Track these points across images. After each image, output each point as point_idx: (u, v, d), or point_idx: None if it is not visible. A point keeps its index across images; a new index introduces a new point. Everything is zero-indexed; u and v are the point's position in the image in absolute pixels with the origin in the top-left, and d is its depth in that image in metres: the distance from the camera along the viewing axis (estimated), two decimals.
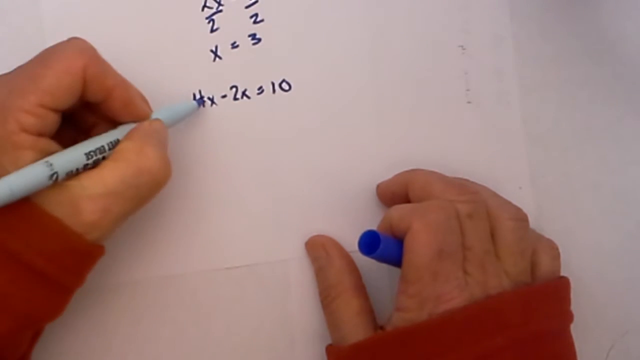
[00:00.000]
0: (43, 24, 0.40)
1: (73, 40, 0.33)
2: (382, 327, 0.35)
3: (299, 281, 0.40)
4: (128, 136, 0.34)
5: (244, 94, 0.40)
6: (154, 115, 0.36)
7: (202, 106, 0.40)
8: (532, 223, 0.37)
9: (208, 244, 0.40)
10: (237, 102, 0.40)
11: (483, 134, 0.41)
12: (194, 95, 0.40)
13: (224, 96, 0.40)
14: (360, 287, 0.38)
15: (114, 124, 0.35)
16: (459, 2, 0.41)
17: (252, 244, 0.40)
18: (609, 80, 0.42)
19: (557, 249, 0.37)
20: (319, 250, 0.39)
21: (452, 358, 0.32)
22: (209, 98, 0.40)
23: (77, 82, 0.32)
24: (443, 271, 0.33)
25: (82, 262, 0.33)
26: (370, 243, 0.34)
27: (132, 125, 0.35)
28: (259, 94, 0.41)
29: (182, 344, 0.39)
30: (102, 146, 0.33)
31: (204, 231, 0.40)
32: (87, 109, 0.35)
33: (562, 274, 0.37)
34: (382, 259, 0.35)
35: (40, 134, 0.32)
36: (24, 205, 0.31)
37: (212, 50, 0.40)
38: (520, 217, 0.36)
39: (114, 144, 0.34)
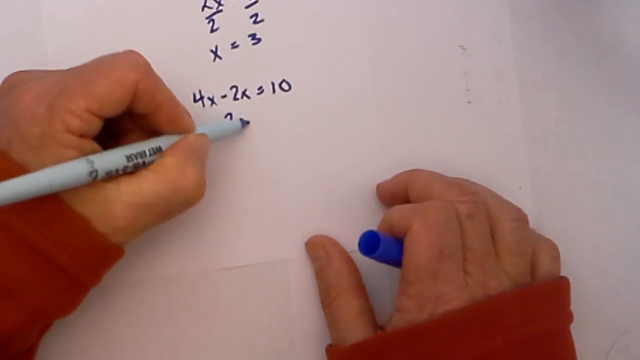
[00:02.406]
0: (43, 24, 0.40)
1: (130, 53, 0.34)
2: (382, 328, 0.35)
3: (299, 281, 0.40)
4: (172, 150, 0.35)
5: (244, 94, 0.40)
6: (198, 130, 0.36)
7: (245, 126, 0.40)
8: (532, 223, 0.37)
9: (208, 244, 0.40)
10: (237, 102, 0.40)
11: (483, 134, 0.41)
12: (194, 96, 0.40)
13: (224, 96, 0.40)
14: (360, 287, 0.38)
15: (150, 133, 0.36)
16: (459, 2, 0.41)
17: (252, 244, 0.40)
18: (609, 80, 0.42)
19: (557, 249, 0.37)
20: (319, 250, 0.39)
21: (452, 358, 0.32)
22: (209, 98, 0.40)
23: (128, 94, 0.33)
24: (443, 272, 0.33)
25: (102, 261, 0.33)
26: (370, 243, 0.34)
27: (176, 137, 0.35)
28: (259, 94, 0.41)
29: (182, 344, 0.39)
30: (144, 151, 0.34)
31: (204, 231, 0.40)
32: (126, 116, 0.35)
33: (562, 274, 0.37)
34: (382, 259, 0.35)
35: (83, 136, 0.32)
36: (52, 201, 0.31)
37: (212, 50, 0.40)
38: (520, 218, 0.36)
39: (156, 151, 0.34)
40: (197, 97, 0.40)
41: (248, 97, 0.40)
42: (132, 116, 0.35)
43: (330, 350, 0.37)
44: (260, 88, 0.41)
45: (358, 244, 0.34)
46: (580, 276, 0.40)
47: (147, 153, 0.34)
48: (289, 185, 0.40)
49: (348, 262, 0.38)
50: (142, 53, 0.40)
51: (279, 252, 0.40)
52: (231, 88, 0.40)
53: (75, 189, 0.31)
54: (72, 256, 0.32)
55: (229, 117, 0.40)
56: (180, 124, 0.35)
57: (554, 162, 0.42)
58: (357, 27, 0.41)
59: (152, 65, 0.39)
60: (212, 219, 0.40)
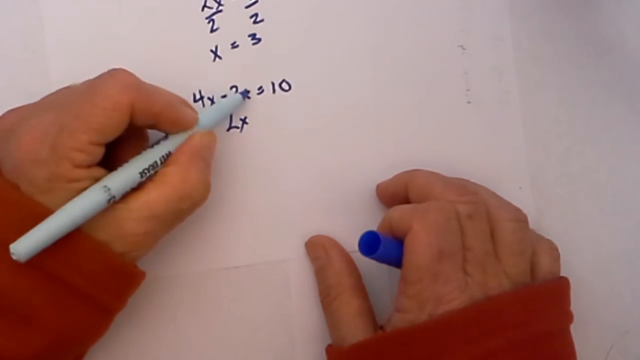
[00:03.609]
0: (43, 24, 0.40)
1: (117, 73, 0.33)
2: (382, 328, 0.35)
3: (299, 281, 0.40)
4: (176, 156, 0.35)
5: None
6: (201, 117, 0.36)
7: (246, 98, 0.40)
8: (532, 223, 0.37)
9: (208, 244, 0.40)
10: None
11: (483, 134, 0.41)
12: (194, 96, 0.40)
13: (224, 96, 0.40)
14: (360, 288, 0.38)
15: (149, 127, 0.35)
16: (459, 2, 0.41)
17: (252, 244, 0.40)
18: (609, 80, 0.42)
19: (557, 249, 0.37)
20: (319, 250, 0.39)
21: (451, 359, 0.32)
22: (209, 98, 0.40)
23: (125, 117, 0.33)
24: (443, 272, 0.33)
25: (122, 283, 0.34)
26: (370, 244, 0.34)
27: (182, 135, 0.35)
28: (259, 94, 0.41)
29: (182, 344, 0.39)
30: (155, 162, 0.34)
31: (204, 231, 0.40)
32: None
33: (562, 274, 0.37)
34: (382, 259, 0.35)
35: (90, 166, 0.32)
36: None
37: (212, 50, 0.40)
38: (520, 218, 0.36)
39: (166, 157, 0.34)
40: (197, 97, 0.40)
41: (248, 97, 0.40)
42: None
43: (330, 350, 0.37)
44: (260, 88, 0.41)
45: (358, 244, 0.34)
46: (580, 276, 0.40)
47: (159, 163, 0.34)
48: (289, 185, 0.40)
49: (348, 262, 0.38)
50: (142, 53, 0.40)
51: (279, 252, 0.40)
52: (231, 88, 0.40)
53: None
54: (90, 279, 0.32)
55: (234, 89, 0.40)
56: (182, 125, 0.35)
57: (554, 162, 0.42)
58: (357, 27, 0.41)
59: (153, 65, 0.39)
60: (212, 219, 0.40)
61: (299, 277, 0.40)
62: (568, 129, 0.42)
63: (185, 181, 0.34)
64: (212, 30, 0.40)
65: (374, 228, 0.35)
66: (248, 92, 0.40)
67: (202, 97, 0.40)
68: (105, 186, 0.31)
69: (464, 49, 0.41)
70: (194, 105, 0.40)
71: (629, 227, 0.42)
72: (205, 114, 0.37)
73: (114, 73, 0.34)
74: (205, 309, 0.40)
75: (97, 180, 0.32)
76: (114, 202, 0.32)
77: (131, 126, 0.34)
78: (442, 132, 0.41)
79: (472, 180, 0.38)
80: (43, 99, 0.34)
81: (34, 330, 0.31)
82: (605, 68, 0.42)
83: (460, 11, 0.41)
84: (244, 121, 0.40)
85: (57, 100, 0.34)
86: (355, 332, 0.36)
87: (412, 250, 0.33)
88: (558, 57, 0.42)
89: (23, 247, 0.29)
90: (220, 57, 0.40)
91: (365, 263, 0.37)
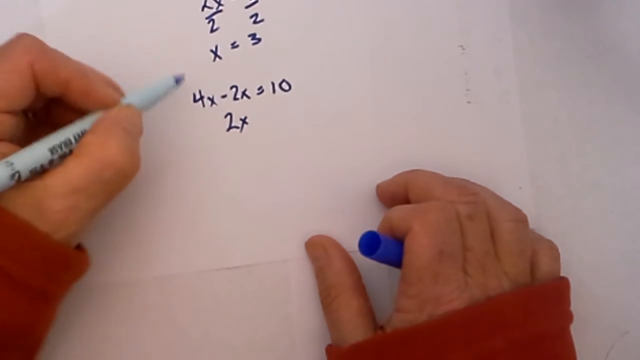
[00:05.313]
0: (43, 24, 0.40)
1: (19, 37, 0.32)
2: (382, 328, 0.35)
3: (299, 281, 0.40)
4: (92, 128, 0.33)
5: (244, 94, 0.40)
6: (127, 99, 0.34)
7: (178, 83, 0.36)
8: (532, 223, 0.37)
9: (208, 244, 0.40)
10: (237, 102, 0.40)
11: (483, 134, 0.41)
12: (194, 96, 0.40)
13: (224, 96, 0.40)
14: (360, 288, 0.38)
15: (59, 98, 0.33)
16: (459, 2, 0.41)
17: (252, 244, 0.40)
18: (609, 80, 0.42)
19: (557, 249, 0.37)
20: (319, 250, 0.39)
21: (451, 359, 0.33)
22: (209, 98, 0.40)
23: (27, 80, 0.31)
24: (443, 272, 0.33)
25: (54, 264, 0.31)
26: (370, 244, 0.34)
27: (100, 114, 0.33)
28: (259, 94, 0.40)
29: (182, 344, 0.39)
30: (68, 139, 0.32)
31: (204, 231, 0.40)
32: (60, 106, 0.34)
33: (562, 274, 0.37)
34: (382, 260, 0.35)
35: (1, 140, 0.31)
36: None
37: (212, 50, 0.40)
38: (520, 218, 0.36)
39: (81, 135, 0.32)
40: (197, 97, 0.40)
41: (248, 97, 0.40)
42: (64, 105, 0.33)
43: (330, 350, 0.37)
44: (260, 88, 0.40)
45: (358, 245, 0.34)
46: (580, 276, 0.40)
47: (73, 140, 0.32)
48: (289, 185, 0.40)
49: (348, 262, 0.38)
50: (142, 53, 0.40)
51: (279, 252, 0.40)
52: (231, 88, 0.40)
53: (6, 194, 0.30)
54: (15, 259, 0.30)
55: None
56: (97, 98, 0.33)
57: (554, 162, 0.42)
58: (357, 27, 0.41)
59: (153, 65, 0.39)
60: (212, 218, 0.40)
61: (299, 277, 0.40)
62: (568, 129, 0.42)
63: (104, 147, 0.32)
64: (212, 30, 0.40)
65: (374, 228, 0.35)
66: (182, 77, 0.37)
67: (202, 97, 0.40)
68: (7, 161, 0.29)
69: (464, 49, 0.41)
70: (194, 105, 0.40)
71: (629, 227, 0.42)
72: (132, 95, 0.35)
73: (17, 36, 0.32)
74: (205, 309, 0.40)
75: (5, 157, 0.30)
76: (31, 180, 0.30)
77: (41, 96, 0.32)
78: (443, 132, 0.41)
79: (472, 180, 0.38)
80: None
81: None
82: (605, 68, 0.42)
83: (460, 11, 0.41)
84: (244, 121, 0.40)
85: None
86: (355, 332, 0.35)
87: (412, 251, 0.33)
88: (558, 57, 0.42)
89: None
90: (220, 57, 0.40)
91: (365, 263, 0.37)
